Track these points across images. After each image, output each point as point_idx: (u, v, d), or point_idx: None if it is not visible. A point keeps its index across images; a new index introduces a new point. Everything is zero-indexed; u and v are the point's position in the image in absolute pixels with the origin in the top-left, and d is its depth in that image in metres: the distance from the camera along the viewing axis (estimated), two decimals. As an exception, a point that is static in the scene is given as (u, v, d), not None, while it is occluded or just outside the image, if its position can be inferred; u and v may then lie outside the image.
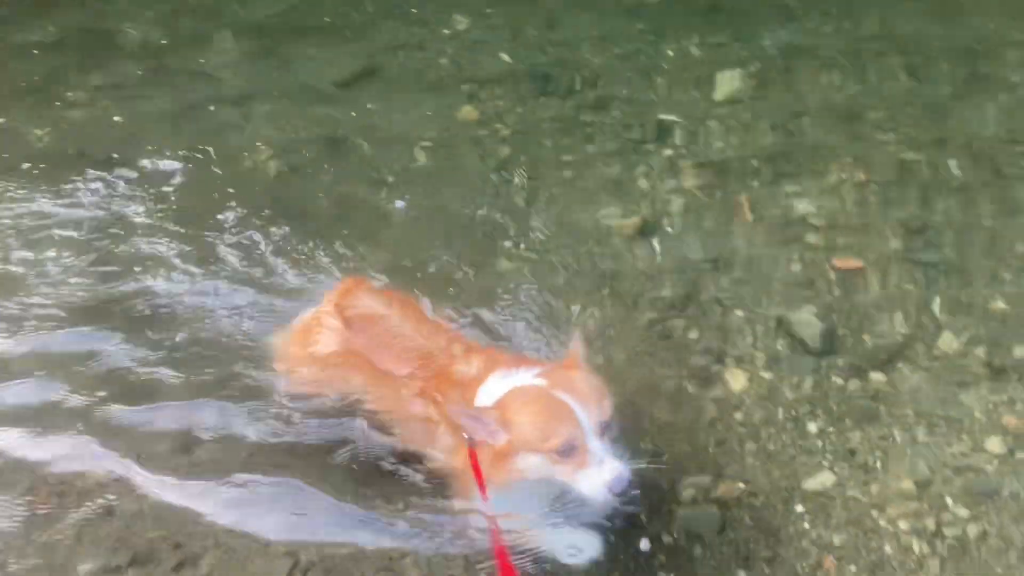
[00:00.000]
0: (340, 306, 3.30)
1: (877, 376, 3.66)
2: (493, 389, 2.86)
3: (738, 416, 3.54)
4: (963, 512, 3.17)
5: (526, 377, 2.82)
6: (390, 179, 4.77)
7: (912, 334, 3.81)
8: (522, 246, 4.33)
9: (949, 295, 3.98)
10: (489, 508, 2.79)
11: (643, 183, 4.67)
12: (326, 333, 3.31)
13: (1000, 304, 3.92)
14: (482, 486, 2.75)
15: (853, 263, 4.13)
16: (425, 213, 4.55)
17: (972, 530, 3.12)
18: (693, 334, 3.89)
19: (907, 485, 3.27)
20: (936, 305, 3.93)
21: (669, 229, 4.41)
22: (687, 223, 4.43)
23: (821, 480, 3.31)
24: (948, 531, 3.13)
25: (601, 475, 2.61)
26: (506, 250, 4.31)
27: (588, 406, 2.66)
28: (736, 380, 3.67)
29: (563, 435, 2.61)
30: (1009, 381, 3.59)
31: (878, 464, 3.35)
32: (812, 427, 3.50)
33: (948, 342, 3.77)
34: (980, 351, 3.72)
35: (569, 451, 2.62)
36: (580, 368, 2.83)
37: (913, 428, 3.47)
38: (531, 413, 2.69)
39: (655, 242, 4.34)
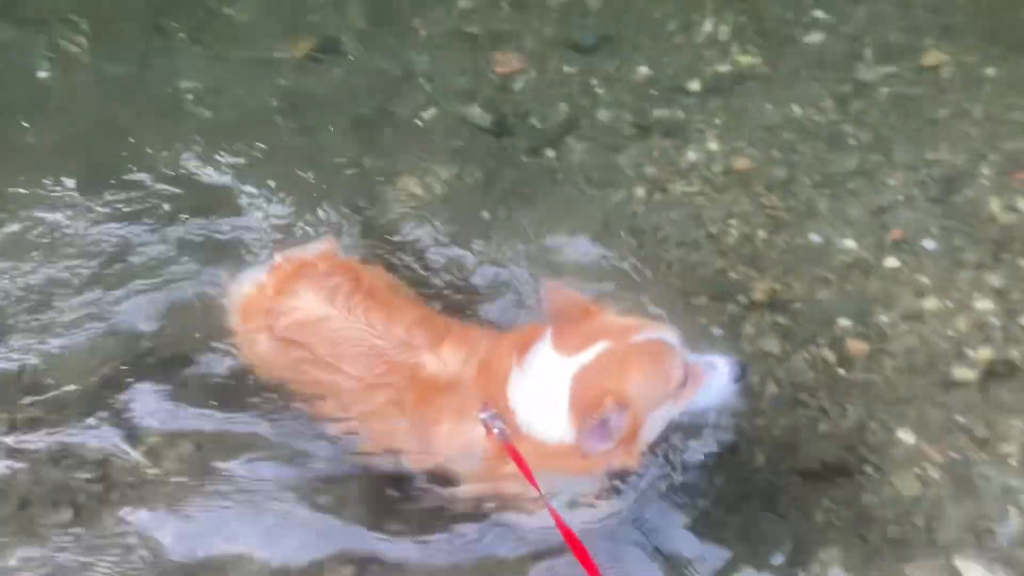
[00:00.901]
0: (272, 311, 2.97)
1: (550, 151, 4.33)
2: (543, 373, 2.55)
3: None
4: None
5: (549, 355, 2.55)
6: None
7: (574, 113, 4.48)
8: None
9: (603, 72, 4.63)
10: (548, 499, 2.55)
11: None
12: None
13: (644, 71, 4.62)
14: (532, 479, 2.51)
15: (513, 66, 4.66)
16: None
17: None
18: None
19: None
20: (593, 82, 4.59)
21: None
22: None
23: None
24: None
25: (722, 375, 2.66)
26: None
27: (661, 330, 2.60)
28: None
29: (677, 367, 2.54)
30: (652, 137, 4.37)
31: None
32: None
33: (605, 115, 4.47)
34: (629, 116, 4.46)
35: (686, 378, 2.57)
36: (602, 312, 2.64)
37: (583, 187, 4.19)
38: (641, 372, 2.49)
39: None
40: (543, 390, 2.53)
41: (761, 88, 4.48)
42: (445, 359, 2.78)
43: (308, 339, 2.88)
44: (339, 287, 2.94)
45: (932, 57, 4.45)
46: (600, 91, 4.55)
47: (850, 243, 3.86)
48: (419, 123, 4.46)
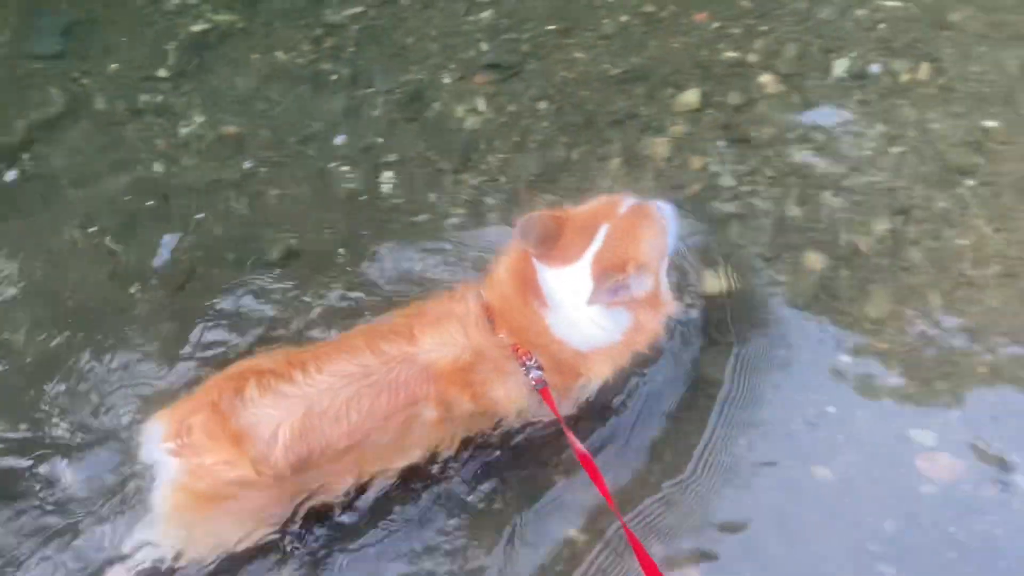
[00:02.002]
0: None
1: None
2: (567, 288, 2.65)
3: None
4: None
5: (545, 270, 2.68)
6: None
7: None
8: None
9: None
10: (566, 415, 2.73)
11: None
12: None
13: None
14: (558, 415, 2.66)
15: None
16: None
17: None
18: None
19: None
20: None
21: None
22: None
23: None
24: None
25: (671, 212, 2.85)
26: None
27: (632, 197, 2.79)
28: None
29: (661, 220, 2.76)
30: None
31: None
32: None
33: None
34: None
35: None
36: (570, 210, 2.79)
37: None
38: (647, 234, 2.69)
39: None
40: (577, 301, 2.60)
41: (241, 45, 4.62)
42: (444, 341, 2.67)
43: (302, 446, 2.51)
44: (270, 380, 2.56)
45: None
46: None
47: (352, 183, 4.09)
48: None
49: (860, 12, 4.44)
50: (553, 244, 2.66)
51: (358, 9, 4.76)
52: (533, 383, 2.66)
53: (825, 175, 3.88)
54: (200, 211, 3.98)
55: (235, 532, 2.62)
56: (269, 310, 3.57)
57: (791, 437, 3.18)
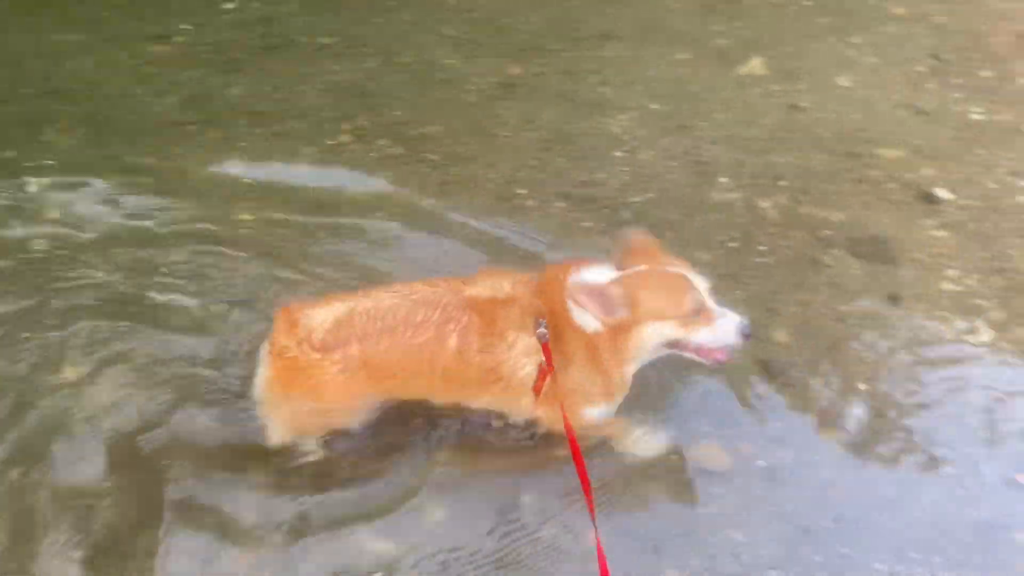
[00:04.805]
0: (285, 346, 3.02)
1: None
2: (593, 279, 2.98)
3: None
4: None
5: (605, 273, 3.03)
6: None
7: None
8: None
9: None
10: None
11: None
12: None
13: None
14: (551, 367, 2.97)
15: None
16: None
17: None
18: None
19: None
20: None
21: None
22: None
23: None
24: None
25: (730, 324, 2.97)
26: None
27: (696, 276, 3.00)
28: None
29: (693, 299, 2.93)
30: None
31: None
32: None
33: None
34: None
35: (697, 312, 2.94)
36: (654, 253, 3.08)
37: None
38: (659, 286, 2.95)
39: None
40: (591, 291, 2.94)
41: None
42: (493, 287, 3.11)
43: (355, 333, 3.01)
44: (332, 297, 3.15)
45: None
46: None
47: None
48: None
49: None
50: (627, 258, 3.08)
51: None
52: (541, 332, 3.01)
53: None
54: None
55: (315, 419, 3.22)
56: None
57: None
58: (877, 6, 6.57)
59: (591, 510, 2.72)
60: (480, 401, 3.21)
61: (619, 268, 3.04)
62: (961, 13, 6.43)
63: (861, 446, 3.40)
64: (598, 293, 2.90)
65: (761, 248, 4.36)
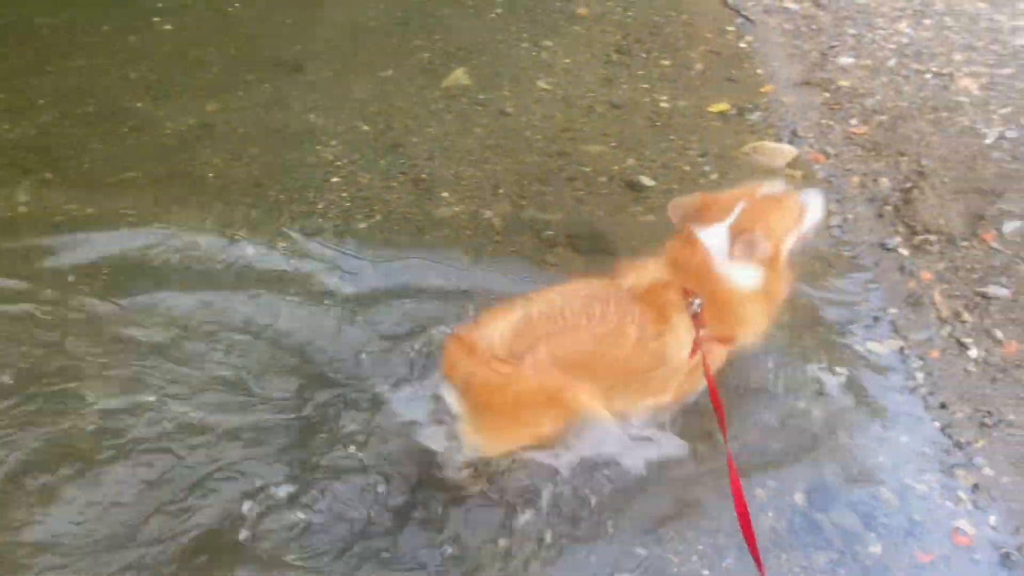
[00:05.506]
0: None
1: None
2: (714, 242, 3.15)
3: None
4: None
5: (722, 229, 3.15)
6: None
7: None
8: None
9: None
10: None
11: None
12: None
13: None
14: (697, 346, 3.14)
15: None
16: None
17: None
18: None
19: None
20: None
21: None
22: None
23: None
24: None
25: (815, 198, 3.30)
26: None
27: (776, 184, 3.28)
28: None
29: (796, 200, 3.25)
30: None
31: None
32: None
33: None
34: None
35: (803, 208, 3.25)
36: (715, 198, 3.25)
37: None
38: (773, 208, 3.18)
39: None
40: (741, 243, 3.09)
41: None
42: (642, 276, 3.20)
43: (538, 336, 2.97)
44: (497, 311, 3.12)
45: None
46: None
47: None
48: None
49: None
50: (698, 219, 3.21)
51: None
52: (695, 308, 3.14)
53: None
54: None
55: (511, 432, 3.19)
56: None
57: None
58: (563, 8, 6.90)
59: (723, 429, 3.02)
60: (642, 393, 3.27)
61: (705, 224, 3.18)
62: (638, 7, 6.91)
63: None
64: (745, 242, 3.07)
65: (489, 259, 4.43)
